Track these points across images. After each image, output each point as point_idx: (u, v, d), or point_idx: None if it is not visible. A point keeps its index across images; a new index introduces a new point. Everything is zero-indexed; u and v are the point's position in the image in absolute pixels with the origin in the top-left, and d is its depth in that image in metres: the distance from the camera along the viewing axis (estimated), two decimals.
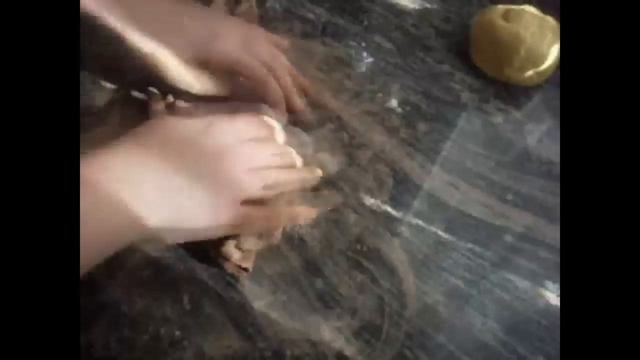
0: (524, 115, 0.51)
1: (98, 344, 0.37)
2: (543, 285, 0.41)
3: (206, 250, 0.39)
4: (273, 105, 0.43)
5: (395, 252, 0.42)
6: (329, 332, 0.38)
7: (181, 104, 0.42)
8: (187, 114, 0.41)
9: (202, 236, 0.36)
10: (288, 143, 0.43)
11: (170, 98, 0.43)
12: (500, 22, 0.50)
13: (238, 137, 0.37)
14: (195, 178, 0.33)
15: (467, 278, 0.41)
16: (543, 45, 0.49)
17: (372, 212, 0.44)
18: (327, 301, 0.40)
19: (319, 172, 0.43)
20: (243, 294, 0.40)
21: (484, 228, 0.44)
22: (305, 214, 0.41)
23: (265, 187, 0.37)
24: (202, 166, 0.34)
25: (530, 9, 0.51)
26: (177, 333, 0.38)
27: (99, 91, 0.47)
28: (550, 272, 0.42)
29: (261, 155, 0.38)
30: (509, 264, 0.42)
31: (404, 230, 0.43)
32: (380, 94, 0.51)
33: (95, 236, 0.30)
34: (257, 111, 0.42)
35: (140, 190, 0.31)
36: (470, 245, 0.43)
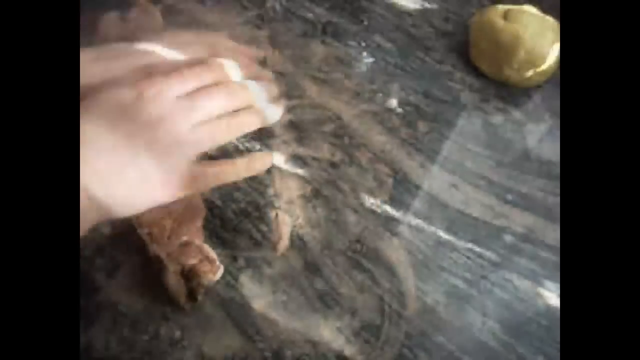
0: (524, 115, 0.51)
1: (98, 344, 0.37)
2: (543, 285, 0.41)
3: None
4: None
5: (395, 252, 0.42)
6: (329, 332, 0.38)
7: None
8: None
9: (158, 204, 0.34)
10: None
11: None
12: (500, 22, 0.50)
13: (173, 95, 0.34)
14: (136, 150, 0.32)
15: (467, 278, 0.41)
16: (543, 45, 0.49)
17: (372, 212, 0.44)
18: (327, 301, 0.40)
19: (279, 111, 0.40)
20: (243, 294, 0.40)
21: (484, 228, 0.44)
22: (262, 160, 0.39)
23: (217, 138, 0.35)
24: (141, 137, 0.32)
25: (530, 9, 0.51)
26: (177, 333, 0.38)
27: None
28: (550, 272, 0.42)
29: (204, 106, 0.35)
30: (509, 264, 0.42)
31: (404, 230, 0.43)
32: (380, 94, 0.51)
33: None
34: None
35: (83, 168, 0.30)
36: (470, 245, 0.43)
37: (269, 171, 0.45)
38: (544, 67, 0.50)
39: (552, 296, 0.41)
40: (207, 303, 0.39)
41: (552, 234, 0.43)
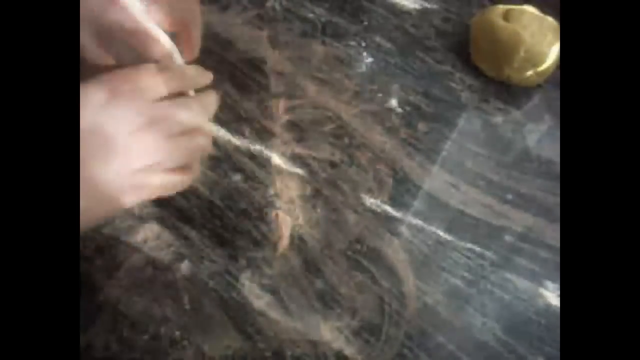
0: (524, 115, 0.51)
1: (98, 344, 0.37)
2: (543, 285, 0.41)
3: None
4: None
5: (395, 252, 0.42)
6: (329, 332, 0.38)
7: None
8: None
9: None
10: None
11: None
12: (500, 22, 0.50)
13: (143, 99, 0.33)
14: (107, 161, 0.31)
15: (467, 278, 0.41)
16: (543, 45, 0.49)
17: (372, 212, 0.44)
18: (327, 301, 0.40)
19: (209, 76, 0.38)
20: (243, 294, 0.40)
21: (484, 228, 0.44)
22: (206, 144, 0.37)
23: (182, 147, 0.35)
24: (111, 145, 0.32)
25: (530, 9, 0.51)
26: (177, 333, 0.38)
27: None
28: (550, 272, 0.42)
29: (173, 114, 0.34)
30: (509, 264, 0.42)
31: (404, 230, 0.43)
32: (380, 94, 0.51)
33: None
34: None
35: None
36: (470, 245, 0.43)
37: (269, 171, 0.46)
38: (544, 67, 0.50)
39: (552, 296, 0.41)
40: (207, 303, 0.39)
41: (552, 234, 0.43)
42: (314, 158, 0.47)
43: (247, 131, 0.48)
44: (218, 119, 0.48)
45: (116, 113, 0.32)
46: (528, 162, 0.48)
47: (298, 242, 0.42)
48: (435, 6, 0.58)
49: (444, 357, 0.38)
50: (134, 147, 0.33)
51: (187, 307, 0.39)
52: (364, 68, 0.53)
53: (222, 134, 0.47)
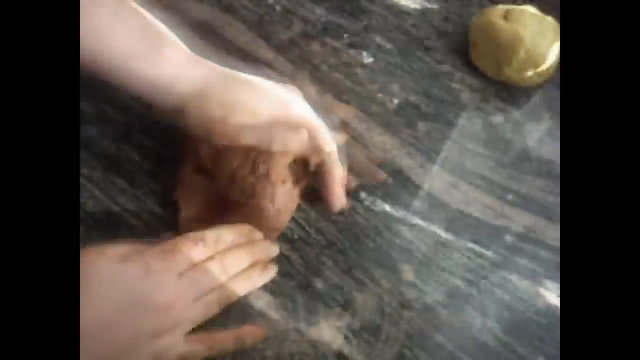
0: (524, 115, 0.51)
1: None
2: (543, 285, 0.41)
3: None
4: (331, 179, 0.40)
5: (395, 252, 0.42)
6: (329, 332, 0.38)
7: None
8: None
9: None
10: None
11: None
12: (500, 22, 0.50)
13: (176, 270, 0.34)
14: (137, 336, 0.32)
15: (467, 278, 0.41)
16: (543, 45, 0.49)
17: (372, 212, 0.44)
18: (327, 301, 0.40)
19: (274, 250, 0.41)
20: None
21: (484, 228, 0.44)
22: (252, 334, 0.37)
23: (211, 311, 0.36)
24: (143, 323, 0.32)
25: (530, 9, 0.51)
26: None
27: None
28: (550, 272, 0.42)
29: (203, 282, 0.35)
30: (509, 264, 0.42)
31: (404, 230, 0.43)
32: (380, 94, 0.51)
33: None
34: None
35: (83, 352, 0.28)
36: (470, 245, 0.43)
37: None
38: (544, 67, 0.50)
39: (552, 296, 0.41)
40: None
41: (552, 234, 0.43)
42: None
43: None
44: None
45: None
46: (528, 162, 0.48)
47: (298, 242, 0.42)
48: (435, 6, 0.58)
49: (444, 357, 0.38)
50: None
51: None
52: (364, 68, 0.53)
53: None
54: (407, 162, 0.47)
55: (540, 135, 0.50)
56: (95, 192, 0.43)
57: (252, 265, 0.38)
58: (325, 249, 0.42)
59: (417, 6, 0.58)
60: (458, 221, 0.44)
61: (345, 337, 0.38)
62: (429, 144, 0.48)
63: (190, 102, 0.37)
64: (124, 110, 0.47)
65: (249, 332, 0.37)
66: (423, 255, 0.42)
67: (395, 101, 0.51)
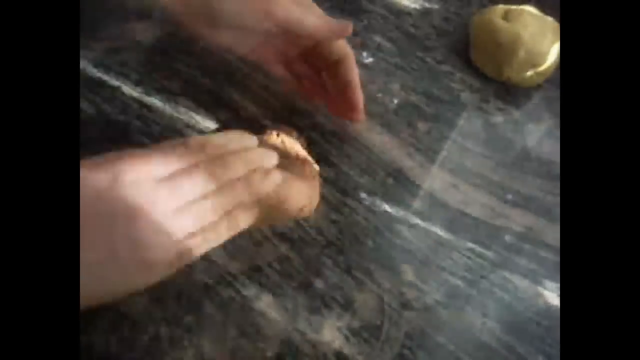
0: (524, 115, 0.51)
1: (98, 344, 0.37)
2: (543, 285, 0.41)
3: None
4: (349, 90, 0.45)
5: (395, 252, 0.42)
6: (329, 332, 0.38)
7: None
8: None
9: (144, 287, 0.32)
10: None
11: None
12: (500, 22, 0.50)
13: (153, 178, 0.31)
14: (115, 246, 0.29)
15: (467, 278, 0.41)
16: (543, 45, 0.49)
17: (372, 212, 0.44)
18: (327, 301, 0.40)
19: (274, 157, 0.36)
20: (243, 294, 0.40)
21: (484, 228, 0.44)
22: (244, 219, 0.34)
23: (204, 219, 0.32)
24: (119, 229, 0.30)
25: (530, 9, 0.51)
26: (177, 333, 0.38)
27: None
28: (550, 272, 0.42)
29: (187, 187, 0.32)
30: (509, 264, 0.42)
31: (404, 230, 0.43)
32: (380, 94, 0.51)
33: None
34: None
35: None
36: (470, 245, 0.43)
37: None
38: (544, 67, 0.50)
39: (552, 296, 0.41)
40: (207, 303, 0.39)
41: (552, 234, 0.44)
42: (314, 158, 0.47)
43: (247, 131, 0.47)
44: (217, 120, 0.48)
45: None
46: (528, 162, 0.48)
47: (298, 242, 0.42)
48: (435, 6, 0.58)
49: (444, 357, 0.38)
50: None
51: (187, 307, 0.39)
52: (364, 68, 0.53)
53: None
54: (407, 162, 0.47)
55: (540, 135, 0.50)
56: None
57: (251, 172, 0.34)
58: (325, 249, 0.42)
59: (417, 6, 0.58)
60: (458, 221, 0.44)
61: (345, 337, 0.38)
62: (429, 144, 0.48)
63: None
64: (124, 110, 0.47)
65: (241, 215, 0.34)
66: (423, 255, 0.42)
67: (395, 101, 0.51)
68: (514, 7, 0.52)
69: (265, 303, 0.39)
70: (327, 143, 0.48)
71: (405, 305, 0.40)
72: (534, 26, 0.49)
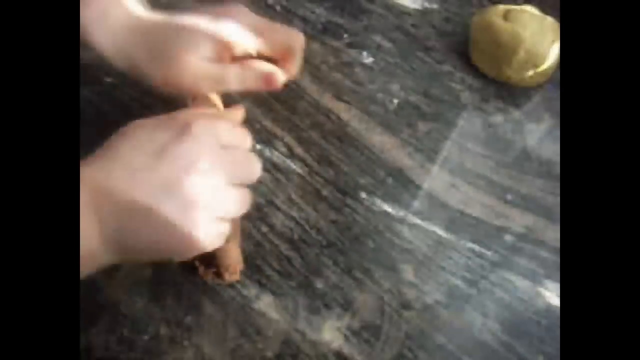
0: (524, 115, 0.51)
1: (98, 344, 0.37)
2: (543, 285, 0.41)
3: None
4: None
5: (395, 252, 0.42)
6: (329, 332, 0.38)
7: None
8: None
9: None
10: None
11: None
12: (500, 22, 0.50)
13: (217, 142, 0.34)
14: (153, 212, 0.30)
15: (467, 278, 0.41)
16: (543, 45, 0.49)
17: (372, 212, 0.44)
18: (327, 301, 0.40)
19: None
20: (243, 294, 0.40)
21: (484, 228, 0.44)
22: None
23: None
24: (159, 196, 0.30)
25: (530, 9, 0.51)
26: (177, 333, 0.38)
27: None
28: (550, 272, 0.42)
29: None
30: (509, 264, 0.42)
31: (404, 230, 0.43)
32: (380, 94, 0.51)
33: None
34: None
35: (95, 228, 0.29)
36: (470, 245, 0.43)
37: (268, 171, 0.45)
38: (544, 67, 0.50)
39: (552, 296, 0.41)
40: (207, 303, 0.39)
41: (552, 234, 0.43)
42: (314, 158, 0.47)
43: (247, 131, 0.47)
44: None
45: None
46: (528, 162, 0.48)
47: (298, 242, 0.42)
48: (435, 6, 0.58)
49: (444, 357, 0.38)
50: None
51: (187, 307, 0.39)
52: (364, 68, 0.53)
53: None
54: (407, 162, 0.47)
55: (540, 135, 0.50)
56: None
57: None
58: (325, 249, 0.42)
59: (417, 6, 0.58)
60: (458, 221, 0.44)
61: (345, 337, 0.38)
62: (429, 144, 0.48)
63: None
64: (124, 110, 0.47)
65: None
66: (423, 255, 0.42)
67: (395, 101, 0.51)
68: (514, 7, 0.52)
69: (265, 303, 0.39)
70: (327, 143, 0.48)
71: (405, 305, 0.40)
72: (534, 26, 0.49)
